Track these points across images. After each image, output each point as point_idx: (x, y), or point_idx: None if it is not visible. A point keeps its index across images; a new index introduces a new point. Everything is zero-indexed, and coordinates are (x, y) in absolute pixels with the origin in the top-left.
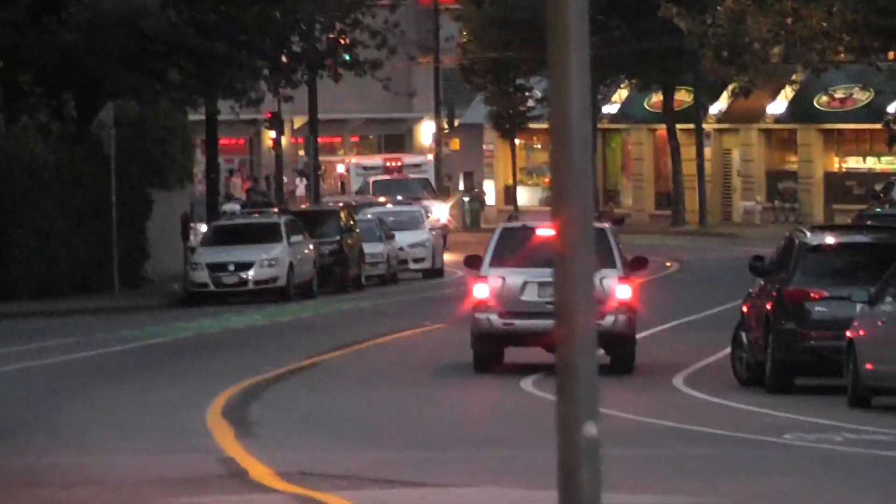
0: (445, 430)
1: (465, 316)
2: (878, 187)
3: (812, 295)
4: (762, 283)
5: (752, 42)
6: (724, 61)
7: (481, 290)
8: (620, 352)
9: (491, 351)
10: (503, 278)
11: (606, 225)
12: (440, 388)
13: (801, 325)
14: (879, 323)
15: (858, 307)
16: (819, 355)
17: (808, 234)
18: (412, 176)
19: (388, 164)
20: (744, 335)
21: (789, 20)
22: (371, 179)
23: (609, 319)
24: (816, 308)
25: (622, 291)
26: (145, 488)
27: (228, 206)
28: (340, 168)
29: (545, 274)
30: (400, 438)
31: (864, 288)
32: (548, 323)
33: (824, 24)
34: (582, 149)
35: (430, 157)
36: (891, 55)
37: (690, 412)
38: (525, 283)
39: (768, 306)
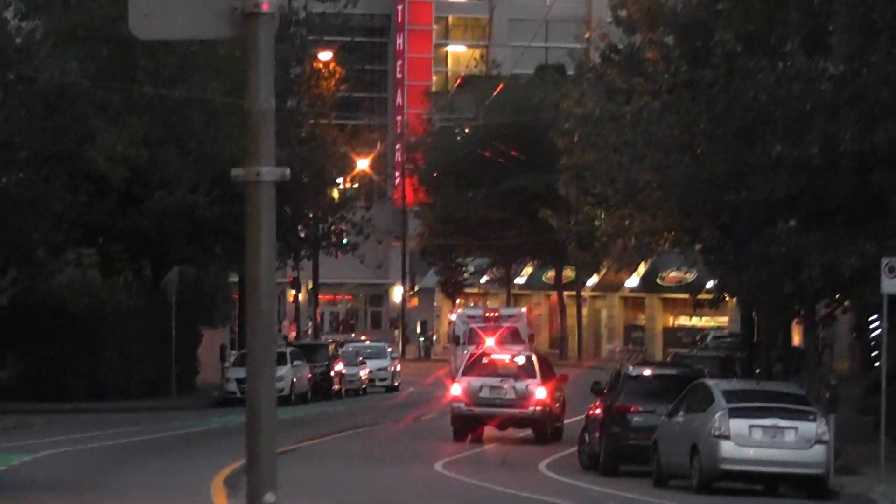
0: (375, 492)
1: (409, 419)
2: (698, 337)
3: (632, 409)
4: (599, 400)
5: (601, 236)
6: (583, 248)
7: (456, 389)
8: (539, 429)
9: (462, 427)
10: (469, 382)
11: (533, 355)
12: (383, 464)
13: (624, 429)
14: (673, 430)
15: (661, 418)
16: (635, 450)
17: (630, 367)
18: (505, 325)
19: (487, 314)
20: (587, 435)
21: (627, 222)
22: (473, 326)
23: (531, 409)
24: (634, 418)
25: (540, 392)
26: None
27: None
28: (453, 317)
29: (495, 381)
30: (341, 496)
31: (665, 405)
32: (496, 410)
33: (650, 225)
34: (268, 298)
35: (524, 310)
36: (697, 246)
37: (544, 487)
38: (482, 386)
39: (602, 415)
